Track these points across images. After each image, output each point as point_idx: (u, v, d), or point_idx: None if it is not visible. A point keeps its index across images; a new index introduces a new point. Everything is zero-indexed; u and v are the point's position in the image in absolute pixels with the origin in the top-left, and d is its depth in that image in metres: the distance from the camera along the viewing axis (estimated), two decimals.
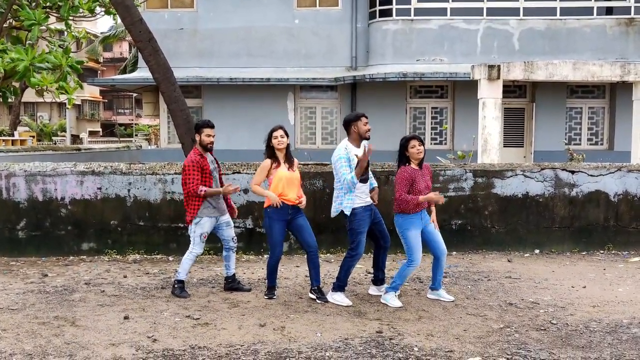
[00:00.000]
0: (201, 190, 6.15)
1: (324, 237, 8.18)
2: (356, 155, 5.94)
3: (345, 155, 5.92)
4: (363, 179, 6.00)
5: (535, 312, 5.80)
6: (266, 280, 6.30)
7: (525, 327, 5.34)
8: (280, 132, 6.08)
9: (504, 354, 4.70)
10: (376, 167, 8.23)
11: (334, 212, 6.11)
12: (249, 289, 6.49)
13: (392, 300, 5.98)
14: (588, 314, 5.76)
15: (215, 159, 6.51)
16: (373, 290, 6.39)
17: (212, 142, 6.33)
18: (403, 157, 6.02)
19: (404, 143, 6.01)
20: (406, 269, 5.97)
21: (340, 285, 6.09)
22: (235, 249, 6.54)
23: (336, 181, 6.04)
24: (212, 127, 6.34)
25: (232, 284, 6.51)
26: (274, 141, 6.07)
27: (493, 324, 5.43)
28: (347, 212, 5.95)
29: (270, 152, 6.12)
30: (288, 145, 6.18)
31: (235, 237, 6.54)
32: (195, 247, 6.33)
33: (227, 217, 6.46)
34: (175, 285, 6.36)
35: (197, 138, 6.34)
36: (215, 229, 6.42)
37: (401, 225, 5.93)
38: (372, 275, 6.47)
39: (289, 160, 6.16)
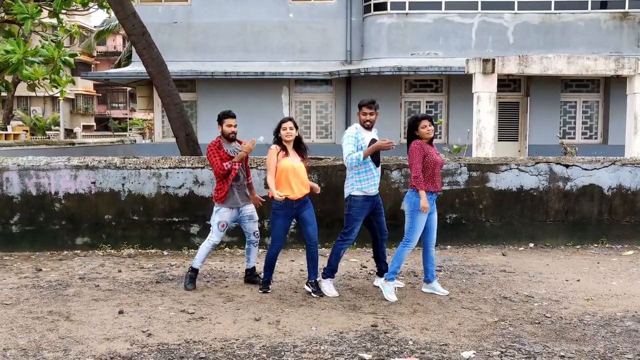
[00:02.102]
0: (227, 165, 6.17)
1: (319, 231, 8.15)
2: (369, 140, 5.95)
3: (354, 134, 5.97)
4: (376, 161, 6.03)
5: (529, 305, 5.82)
6: (262, 274, 6.30)
7: (520, 321, 5.36)
8: (289, 124, 6.08)
9: (499, 347, 4.72)
10: None
11: (346, 195, 6.13)
12: None
13: (389, 294, 5.98)
14: (582, 307, 5.78)
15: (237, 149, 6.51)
16: (378, 282, 6.37)
17: (234, 132, 6.37)
18: (412, 136, 6.03)
19: (414, 122, 6.01)
20: (403, 249, 5.98)
21: (330, 269, 6.13)
22: (257, 243, 6.52)
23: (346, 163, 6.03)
24: (233, 117, 6.40)
25: (249, 277, 6.54)
26: (282, 132, 6.07)
27: (487, 318, 5.44)
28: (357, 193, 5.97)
29: (278, 143, 6.12)
30: (299, 136, 6.20)
31: (258, 232, 6.52)
32: (213, 236, 6.35)
33: (250, 210, 6.43)
34: (188, 273, 6.40)
35: (219, 129, 6.39)
36: (239, 221, 6.45)
37: (414, 203, 5.89)
38: (376, 267, 6.48)
39: (299, 151, 6.16)
